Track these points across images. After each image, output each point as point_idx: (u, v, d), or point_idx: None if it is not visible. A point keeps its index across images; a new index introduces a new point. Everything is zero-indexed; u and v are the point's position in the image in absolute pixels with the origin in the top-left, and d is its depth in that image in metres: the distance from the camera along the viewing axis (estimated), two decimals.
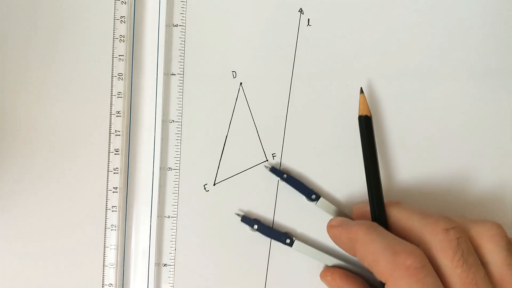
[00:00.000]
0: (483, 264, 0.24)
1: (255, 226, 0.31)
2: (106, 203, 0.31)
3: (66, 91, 0.32)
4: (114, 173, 0.31)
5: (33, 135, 0.31)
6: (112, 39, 0.32)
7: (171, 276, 0.31)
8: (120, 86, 0.32)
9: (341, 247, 0.28)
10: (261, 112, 0.32)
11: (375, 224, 0.26)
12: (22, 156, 0.31)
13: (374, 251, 0.24)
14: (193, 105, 0.32)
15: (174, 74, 0.32)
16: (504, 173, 0.31)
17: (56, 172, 0.31)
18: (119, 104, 0.32)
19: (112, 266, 0.31)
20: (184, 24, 0.32)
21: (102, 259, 0.31)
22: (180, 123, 0.32)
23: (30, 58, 0.32)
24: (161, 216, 0.32)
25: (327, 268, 0.30)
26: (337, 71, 0.32)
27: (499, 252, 0.24)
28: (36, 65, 0.32)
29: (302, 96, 0.32)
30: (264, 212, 0.32)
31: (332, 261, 0.30)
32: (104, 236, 0.31)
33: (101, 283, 0.31)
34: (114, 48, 0.32)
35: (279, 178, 0.31)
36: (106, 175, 0.31)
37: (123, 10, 0.32)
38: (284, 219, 0.31)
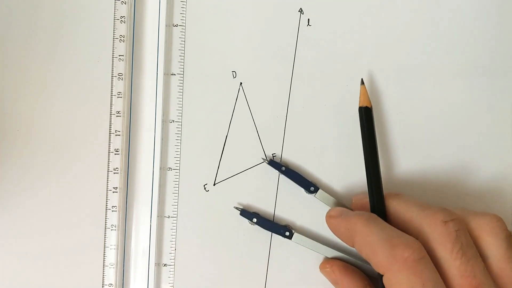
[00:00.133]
0: (482, 257, 0.24)
1: (254, 220, 0.31)
2: (106, 203, 0.31)
3: (66, 91, 0.32)
4: (114, 173, 0.31)
5: (33, 135, 0.31)
6: (112, 39, 0.32)
7: (171, 276, 0.31)
8: (120, 86, 0.32)
9: (339, 238, 0.28)
10: (261, 112, 0.32)
11: (374, 216, 0.26)
12: (22, 156, 0.31)
13: (372, 243, 0.24)
14: (193, 105, 0.32)
15: (174, 74, 0.32)
16: (504, 166, 0.31)
17: (56, 172, 0.31)
18: (119, 104, 0.32)
19: (112, 266, 0.31)
20: (184, 24, 0.32)
21: (102, 259, 0.31)
22: (180, 123, 0.32)
23: (30, 58, 0.32)
24: (161, 216, 0.32)
25: (326, 260, 0.30)
26: (337, 71, 0.32)
27: (499, 245, 0.24)
28: (36, 65, 0.32)
29: (302, 96, 0.32)
30: (264, 209, 0.32)
31: (331, 252, 0.30)
32: (104, 236, 0.31)
33: (101, 283, 0.31)
34: (114, 48, 0.32)
35: (278, 174, 0.31)
36: (106, 175, 0.31)
37: (123, 10, 0.32)
38: (284, 214, 0.32)
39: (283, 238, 0.31)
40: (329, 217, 0.29)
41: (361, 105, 0.29)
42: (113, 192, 0.31)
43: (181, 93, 0.32)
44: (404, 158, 0.31)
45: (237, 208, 0.31)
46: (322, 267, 0.30)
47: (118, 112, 0.32)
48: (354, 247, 0.26)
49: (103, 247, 0.31)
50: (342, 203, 0.31)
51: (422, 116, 0.32)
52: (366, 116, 0.29)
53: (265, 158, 0.32)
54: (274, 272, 0.31)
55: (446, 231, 0.24)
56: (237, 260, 0.31)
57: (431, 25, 0.32)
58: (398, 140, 0.31)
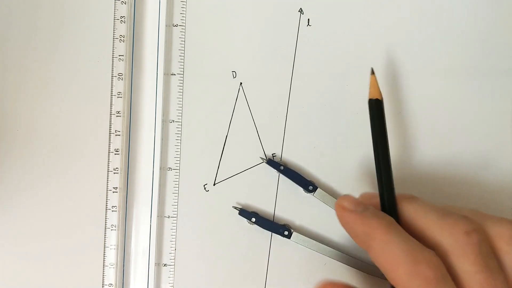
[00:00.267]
0: (500, 266, 0.23)
1: (253, 219, 0.31)
2: (106, 203, 0.31)
3: (66, 91, 0.32)
4: (114, 173, 0.31)
5: (33, 135, 0.31)
6: (112, 39, 0.32)
7: (171, 276, 0.31)
8: (120, 86, 0.32)
9: (351, 236, 0.25)
10: (261, 112, 0.32)
11: (395, 222, 0.24)
12: (22, 156, 0.31)
13: (392, 255, 0.22)
14: (193, 105, 0.32)
15: (174, 74, 0.32)
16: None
17: (56, 172, 0.31)
18: (119, 104, 0.32)
19: (112, 266, 0.31)
20: (184, 24, 0.32)
21: (102, 259, 0.31)
22: (180, 123, 0.32)
23: (30, 58, 0.32)
24: (161, 216, 0.32)
25: (330, 284, 0.25)
26: (337, 71, 0.32)
27: None
28: (36, 65, 0.32)
29: (302, 96, 0.32)
30: (264, 209, 0.32)
31: (330, 252, 0.31)
32: (104, 236, 0.31)
33: (101, 283, 0.31)
34: (114, 48, 0.32)
35: (278, 173, 0.31)
36: (106, 175, 0.31)
37: (123, 10, 0.32)
38: (283, 213, 0.32)
39: (282, 237, 0.31)
40: (341, 208, 0.25)
41: (371, 97, 0.26)
42: (113, 192, 0.31)
43: (181, 93, 0.32)
44: (404, 159, 0.31)
45: (236, 208, 0.31)
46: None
47: (118, 112, 0.32)
48: (366, 250, 0.24)
49: (103, 247, 0.31)
50: None
51: (422, 116, 0.32)
52: (377, 109, 0.26)
53: (264, 157, 0.32)
54: (274, 271, 0.31)
55: (469, 242, 0.22)
56: (237, 260, 0.31)
57: (432, 25, 0.32)
58: (398, 140, 0.31)
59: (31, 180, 0.31)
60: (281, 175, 0.31)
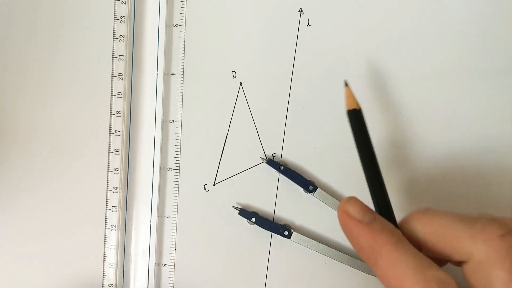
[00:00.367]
0: None
1: (253, 219, 0.31)
2: (106, 203, 0.31)
3: (66, 91, 0.32)
4: (114, 173, 0.31)
5: (33, 135, 0.31)
6: (112, 39, 0.32)
7: (171, 276, 0.31)
8: (120, 86, 0.32)
9: (353, 246, 0.23)
10: (261, 112, 0.32)
11: (403, 237, 0.22)
12: (22, 156, 0.31)
13: (401, 273, 0.20)
14: (193, 105, 0.32)
15: (174, 74, 0.32)
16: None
17: (56, 172, 0.31)
18: (119, 104, 0.32)
19: (112, 266, 0.31)
20: (184, 24, 0.32)
21: (102, 259, 0.31)
22: (180, 123, 0.32)
23: (30, 58, 0.32)
24: (161, 216, 0.32)
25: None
26: (337, 71, 0.32)
27: None
28: (36, 65, 0.32)
29: (302, 96, 0.32)
30: (264, 209, 0.32)
31: (330, 252, 0.30)
32: (104, 236, 0.31)
33: (101, 283, 0.31)
34: (114, 48, 0.32)
35: (278, 173, 0.31)
36: (106, 175, 0.31)
37: (123, 10, 0.32)
38: (283, 213, 0.32)
39: (282, 237, 0.31)
40: (346, 215, 0.23)
41: (349, 108, 0.25)
42: (113, 192, 0.31)
43: (181, 93, 0.32)
44: (404, 159, 0.31)
45: (236, 208, 0.31)
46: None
47: (118, 112, 0.32)
48: (372, 267, 0.22)
49: (103, 247, 0.31)
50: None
51: (422, 116, 0.32)
52: (357, 118, 0.25)
53: (264, 157, 0.32)
54: (274, 271, 0.31)
55: (504, 246, 0.20)
56: (237, 260, 0.31)
57: (432, 26, 0.32)
58: (398, 140, 0.31)
59: (31, 180, 0.31)
60: (281, 175, 0.31)
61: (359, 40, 0.32)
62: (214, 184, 0.32)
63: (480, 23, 0.32)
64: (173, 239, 0.32)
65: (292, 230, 0.31)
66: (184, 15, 0.32)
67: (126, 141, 0.32)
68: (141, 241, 0.32)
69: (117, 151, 0.32)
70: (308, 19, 0.32)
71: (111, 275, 0.31)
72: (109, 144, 0.32)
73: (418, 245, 0.22)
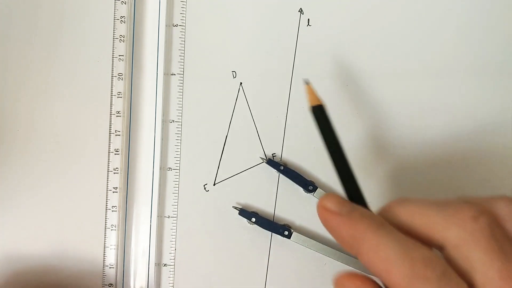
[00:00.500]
0: None
1: (253, 219, 0.31)
2: (106, 203, 0.31)
3: (67, 91, 0.32)
4: (114, 173, 0.31)
5: (33, 135, 0.31)
6: (112, 39, 0.32)
7: (171, 276, 0.31)
8: (120, 86, 0.32)
9: (337, 241, 0.22)
10: (261, 112, 0.32)
11: (384, 221, 0.22)
12: (22, 156, 0.31)
13: (386, 258, 0.20)
14: (193, 105, 0.32)
15: (174, 74, 0.32)
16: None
17: (56, 172, 0.31)
18: (119, 104, 0.32)
19: (112, 266, 0.31)
20: (184, 24, 0.32)
21: (102, 259, 0.31)
22: (180, 123, 0.32)
23: (30, 58, 0.32)
24: (161, 216, 0.32)
25: (353, 275, 0.22)
26: (337, 71, 0.32)
27: None
28: (36, 65, 0.32)
29: (302, 96, 0.32)
30: (264, 209, 0.32)
31: (330, 252, 0.30)
32: (104, 236, 0.31)
33: (101, 283, 0.31)
34: (114, 48, 0.32)
35: (278, 173, 0.31)
36: (106, 175, 0.31)
37: (123, 10, 0.32)
38: (284, 213, 0.32)
39: (282, 237, 0.31)
40: (324, 210, 0.22)
41: (312, 104, 0.25)
42: (113, 192, 0.31)
43: (181, 93, 0.32)
44: (403, 160, 0.31)
45: (236, 208, 0.31)
46: (344, 283, 0.22)
47: (118, 112, 0.32)
48: (357, 256, 0.21)
49: (103, 247, 0.31)
50: None
51: (422, 116, 0.32)
52: (321, 113, 0.25)
53: (264, 157, 0.32)
54: (274, 271, 0.31)
55: (478, 228, 0.20)
56: (237, 260, 0.31)
57: (432, 26, 0.32)
58: (398, 140, 0.31)
59: (32, 180, 0.31)
60: (281, 175, 0.31)
61: (359, 40, 0.32)
62: (214, 184, 0.32)
63: (474, 20, 0.32)
64: (173, 239, 0.32)
65: (292, 230, 0.31)
66: (184, 15, 0.32)
67: (126, 141, 0.32)
68: (141, 241, 0.32)
69: (117, 151, 0.32)
70: (308, 19, 0.32)
71: (111, 275, 0.31)
72: (109, 144, 0.32)
73: None
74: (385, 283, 0.20)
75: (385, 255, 0.20)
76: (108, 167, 0.31)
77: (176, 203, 0.32)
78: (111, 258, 0.31)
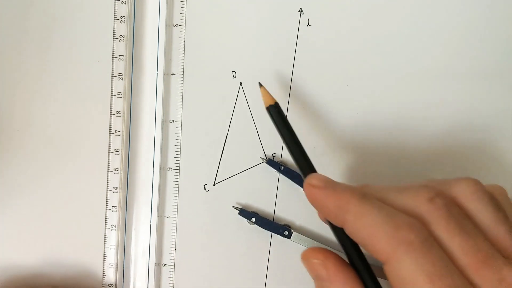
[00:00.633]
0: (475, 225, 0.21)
1: (253, 219, 0.31)
2: (106, 203, 0.31)
3: (66, 91, 0.32)
4: (114, 173, 0.31)
5: (33, 135, 0.31)
6: (112, 39, 0.32)
7: (171, 276, 0.31)
8: (120, 86, 0.32)
9: (323, 214, 0.23)
10: (261, 112, 0.32)
11: (367, 192, 0.22)
12: (22, 156, 0.31)
13: (370, 225, 0.21)
14: (193, 105, 0.32)
15: (174, 74, 0.32)
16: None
17: (56, 172, 0.31)
18: (119, 104, 0.32)
19: (112, 266, 0.31)
20: (184, 24, 0.32)
21: (102, 259, 0.31)
22: (180, 123, 0.32)
23: (30, 58, 0.31)
24: (161, 216, 0.32)
25: (317, 249, 0.24)
26: (337, 71, 0.32)
27: (485, 209, 0.22)
28: (36, 65, 0.32)
29: (302, 96, 0.32)
30: (264, 209, 0.32)
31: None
32: (104, 236, 0.31)
33: (101, 283, 0.31)
34: (114, 48, 0.32)
35: (278, 173, 0.31)
36: (106, 175, 0.31)
37: (123, 10, 0.32)
38: (284, 213, 0.32)
39: (282, 237, 0.31)
40: (310, 186, 0.23)
41: (267, 105, 0.27)
42: (113, 192, 0.31)
43: (181, 93, 0.32)
44: (403, 160, 0.31)
45: (236, 208, 0.31)
46: (308, 256, 0.24)
47: (118, 112, 0.32)
48: (344, 227, 0.22)
49: (103, 247, 0.31)
50: None
51: (422, 116, 0.32)
52: (277, 111, 0.27)
53: (264, 157, 0.32)
54: (274, 271, 0.31)
55: (434, 208, 0.21)
56: (237, 260, 0.31)
57: (432, 26, 0.32)
58: (398, 140, 0.31)
59: (31, 180, 0.31)
60: (281, 175, 0.31)
61: (359, 40, 0.32)
62: (214, 184, 0.32)
63: (474, 21, 0.32)
64: (173, 239, 0.32)
65: (292, 230, 0.31)
66: (184, 15, 0.32)
67: (126, 141, 0.32)
68: (141, 241, 0.32)
69: (117, 151, 0.32)
70: (308, 19, 0.32)
71: (111, 275, 0.31)
72: (109, 144, 0.32)
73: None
74: (370, 249, 0.21)
75: (369, 221, 0.21)
76: (108, 167, 0.31)
77: (176, 203, 0.32)
78: (111, 258, 0.31)
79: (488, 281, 0.20)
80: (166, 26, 0.32)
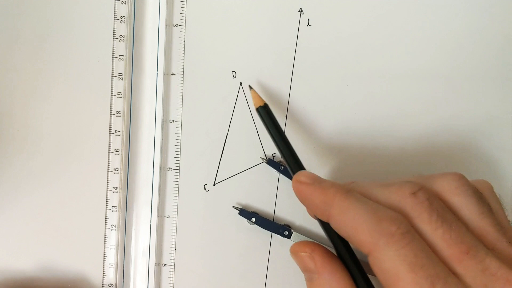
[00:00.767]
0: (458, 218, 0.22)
1: (253, 219, 0.31)
2: (106, 203, 0.31)
3: (66, 91, 0.32)
4: (114, 173, 0.31)
5: (33, 135, 0.31)
6: (112, 39, 0.32)
7: (171, 276, 0.31)
8: (120, 86, 0.32)
9: (310, 209, 0.24)
10: None
11: (352, 189, 0.23)
12: (22, 156, 0.31)
13: (354, 219, 0.21)
14: (193, 105, 0.32)
15: (174, 74, 0.32)
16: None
17: (56, 172, 0.31)
18: (119, 104, 0.32)
19: (112, 266, 0.31)
20: (184, 24, 0.32)
21: (102, 259, 0.31)
22: (180, 123, 0.32)
23: (29, 58, 0.31)
24: (161, 216, 0.32)
25: (304, 242, 0.25)
26: (337, 71, 0.32)
27: (469, 203, 0.22)
28: (35, 65, 0.32)
29: (302, 96, 0.32)
30: (264, 209, 0.32)
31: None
32: (104, 236, 0.31)
33: (101, 283, 0.31)
34: (114, 48, 0.32)
35: (278, 173, 0.31)
36: (106, 175, 0.31)
37: (123, 10, 0.32)
38: (284, 214, 0.32)
39: (282, 237, 0.31)
40: (298, 183, 0.24)
41: (257, 106, 0.29)
42: (113, 192, 0.31)
43: (181, 93, 0.32)
44: (402, 160, 0.31)
45: (236, 208, 0.31)
46: (297, 250, 0.25)
47: (118, 112, 0.32)
48: (328, 222, 0.23)
49: (103, 247, 0.31)
50: None
51: (423, 116, 0.32)
52: (266, 112, 0.28)
53: (264, 157, 0.32)
54: (274, 271, 0.31)
55: (417, 202, 0.22)
56: (237, 260, 0.31)
57: (431, 26, 0.32)
58: (398, 140, 0.31)
59: (31, 180, 0.31)
60: (281, 175, 0.31)
61: (359, 40, 0.32)
62: (214, 184, 0.32)
63: (473, 22, 0.32)
64: (173, 239, 0.32)
65: (292, 230, 0.31)
66: (184, 15, 0.32)
67: (126, 141, 0.32)
68: (141, 241, 0.32)
69: (117, 151, 0.32)
70: (308, 19, 0.32)
71: (111, 275, 0.31)
72: (109, 144, 0.32)
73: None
74: (354, 242, 0.22)
75: (353, 215, 0.22)
76: (108, 167, 0.31)
77: (176, 203, 0.32)
78: (111, 258, 0.31)
79: (471, 271, 0.20)
80: (166, 26, 0.32)
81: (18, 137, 0.31)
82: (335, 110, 0.32)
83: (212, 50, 0.32)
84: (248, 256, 0.31)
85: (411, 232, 0.21)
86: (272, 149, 0.32)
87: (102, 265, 0.31)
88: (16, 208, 0.31)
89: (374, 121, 0.31)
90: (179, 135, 0.32)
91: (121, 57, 0.32)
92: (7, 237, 0.31)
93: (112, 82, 0.32)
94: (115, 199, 0.31)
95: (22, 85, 0.31)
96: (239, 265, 0.31)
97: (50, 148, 0.31)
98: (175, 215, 0.32)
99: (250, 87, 0.30)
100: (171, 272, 0.31)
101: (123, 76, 0.32)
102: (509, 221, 0.24)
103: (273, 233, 0.31)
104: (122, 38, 0.32)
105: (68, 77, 0.32)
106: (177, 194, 0.32)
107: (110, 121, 0.32)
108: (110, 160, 0.31)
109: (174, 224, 0.32)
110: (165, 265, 0.32)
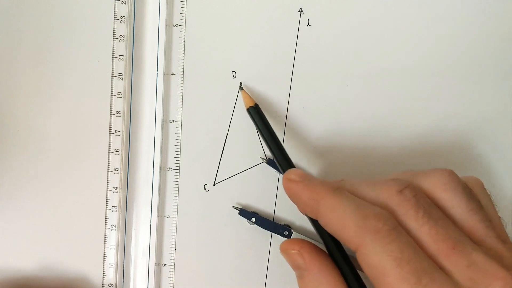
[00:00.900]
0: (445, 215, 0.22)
1: (253, 219, 0.31)
2: (106, 203, 0.31)
3: (66, 91, 0.32)
4: (114, 173, 0.31)
5: (33, 136, 0.31)
6: (112, 39, 0.32)
7: (171, 276, 0.31)
8: (120, 86, 0.32)
9: (299, 207, 0.25)
10: None
11: (341, 187, 0.24)
12: (22, 157, 0.31)
13: (341, 216, 0.22)
14: (193, 105, 0.32)
15: (174, 74, 0.32)
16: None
17: (56, 172, 0.31)
18: (119, 104, 0.32)
19: (112, 266, 0.31)
20: (184, 24, 0.32)
21: (102, 259, 0.31)
22: (180, 123, 0.32)
23: (29, 58, 0.31)
24: (161, 216, 0.32)
25: (293, 240, 0.25)
26: (337, 71, 0.32)
27: (458, 199, 0.22)
28: (35, 65, 0.32)
29: (302, 96, 0.32)
30: (264, 209, 0.32)
31: None
32: (104, 236, 0.31)
33: (101, 283, 0.31)
34: (114, 48, 0.32)
35: (278, 173, 0.31)
36: (106, 175, 0.31)
37: (123, 10, 0.32)
38: (284, 214, 0.32)
39: (282, 237, 0.31)
40: (288, 180, 0.25)
41: (248, 107, 0.29)
42: (113, 192, 0.31)
43: (181, 93, 0.32)
44: (402, 160, 0.31)
45: (236, 208, 0.31)
46: (286, 248, 0.25)
47: (118, 112, 0.32)
48: (317, 219, 0.24)
49: (103, 247, 0.31)
50: None
51: (423, 116, 0.32)
52: (257, 112, 0.29)
53: (264, 157, 0.32)
54: (274, 271, 0.31)
55: (404, 199, 0.22)
56: (237, 260, 0.31)
57: (431, 26, 0.32)
58: (398, 140, 0.31)
59: (31, 180, 0.31)
60: (281, 175, 0.31)
61: (359, 40, 0.32)
62: (214, 184, 0.32)
63: (472, 21, 0.32)
64: (173, 239, 0.32)
65: (292, 230, 0.31)
66: (184, 15, 0.32)
67: (126, 141, 0.32)
68: (141, 241, 0.32)
69: (117, 151, 0.32)
70: (308, 19, 0.32)
71: (111, 275, 0.31)
72: (109, 144, 0.32)
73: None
74: (342, 239, 0.22)
75: (340, 213, 0.22)
76: (108, 167, 0.31)
77: (176, 203, 0.32)
78: (111, 258, 0.31)
79: (458, 266, 0.20)
80: (166, 26, 0.32)
81: (18, 137, 0.31)
82: (335, 110, 0.32)
83: (212, 50, 0.32)
84: (248, 256, 0.31)
85: (398, 229, 0.21)
86: None
87: (102, 265, 0.31)
88: (16, 208, 0.31)
89: (374, 120, 0.31)
90: (179, 135, 0.32)
91: (121, 57, 0.32)
92: (7, 237, 0.31)
93: (112, 82, 0.32)
94: (115, 199, 0.31)
95: (22, 85, 0.31)
96: (239, 265, 0.31)
97: (50, 148, 0.31)
98: (175, 215, 0.32)
99: (241, 88, 0.30)
100: (171, 272, 0.31)
101: (123, 76, 0.32)
102: (500, 217, 0.24)
103: (273, 233, 0.31)
104: (122, 38, 0.32)
105: (68, 77, 0.32)
106: (177, 194, 0.32)
107: (110, 121, 0.32)
108: (110, 160, 0.31)
109: (174, 224, 0.32)
110: (165, 265, 0.32)
